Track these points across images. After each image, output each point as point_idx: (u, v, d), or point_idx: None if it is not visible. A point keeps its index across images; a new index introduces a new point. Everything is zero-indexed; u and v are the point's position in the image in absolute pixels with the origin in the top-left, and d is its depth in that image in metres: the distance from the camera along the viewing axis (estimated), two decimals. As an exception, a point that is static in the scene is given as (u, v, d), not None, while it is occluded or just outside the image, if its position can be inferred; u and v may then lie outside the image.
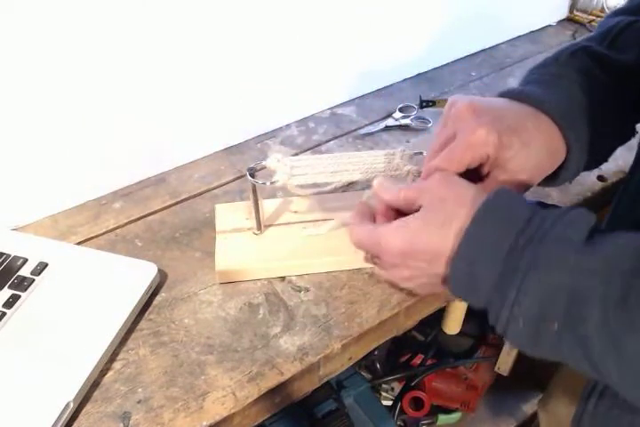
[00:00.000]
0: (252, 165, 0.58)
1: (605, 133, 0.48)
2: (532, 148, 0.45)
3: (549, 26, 1.08)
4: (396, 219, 0.44)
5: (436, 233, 0.39)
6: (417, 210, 0.42)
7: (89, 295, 0.57)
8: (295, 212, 0.66)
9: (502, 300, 0.36)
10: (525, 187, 0.47)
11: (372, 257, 0.47)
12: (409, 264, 0.42)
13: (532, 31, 1.06)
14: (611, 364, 0.33)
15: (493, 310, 0.37)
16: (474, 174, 0.46)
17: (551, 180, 0.49)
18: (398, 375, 1.04)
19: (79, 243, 0.65)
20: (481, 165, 0.46)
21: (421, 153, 0.58)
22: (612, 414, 0.48)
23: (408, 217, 0.42)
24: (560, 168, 0.48)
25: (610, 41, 0.51)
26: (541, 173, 0.47)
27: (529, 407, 1.14)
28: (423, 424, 1.12)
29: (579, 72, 0.48)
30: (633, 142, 0.53)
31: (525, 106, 0.46)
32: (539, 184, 0.50)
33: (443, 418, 1.12)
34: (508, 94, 0.48)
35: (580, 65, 0.49)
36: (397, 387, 1.09)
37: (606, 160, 0.52)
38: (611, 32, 0.52)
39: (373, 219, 0.47)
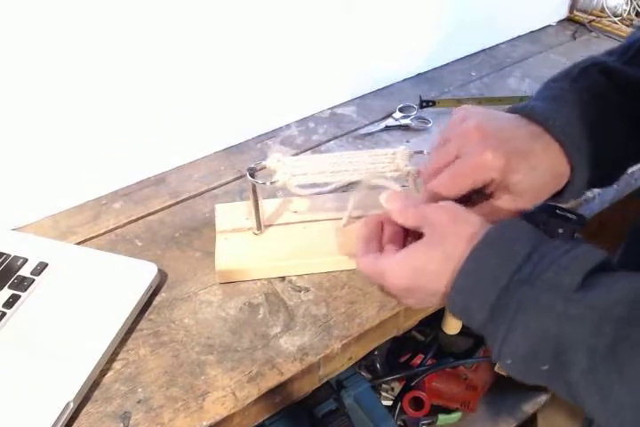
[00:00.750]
0: (252, 165, 0.58)
1: (616, 153, 0.48)
2: (538, 171, 0.45)
3: (549, 26, 1.08)
4: (403, 238, 0.45)
5: (436, 271, 0.40)
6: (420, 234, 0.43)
7: (89, 295, 0.57)
8: (295, 212, 0.66)
9: (493, 335, 0.37)
10: (527, 206, 0.47)
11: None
12: (412, 296, 0.43)
13: (532, 31, 1.06)
14: (597, 409, 0.33)
15: (489, 340, 0.38)
16: (477, 193, 0.47)
17: (555, 198, 0.49)
18: (398, 375, 1.04)
19: (79, 243, 0.65)
20: (485, 186, 0.46)
21: (422, 152, 0.58)
22: None
23: (411, 248, 0.42)
24: (564, 188, 0.48)
25: (631, 56, 0.50)
26: (544, 195, 0.47)
27: (529, 407, 1.14)
28: (423, 424, 1.12)
29: (589, 90, 0.48)
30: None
31: (534, 125, 0.46)
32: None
33: (443, 418, 1.12)
34: (518, 111, 0.48)
35: (592, 83, 0.48)
36: (397, 387, 1.09)
37: (617, 179, 0.52)
38: (632, 46, 0.51)
39: (380, 238, 0.47)
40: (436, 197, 0.45)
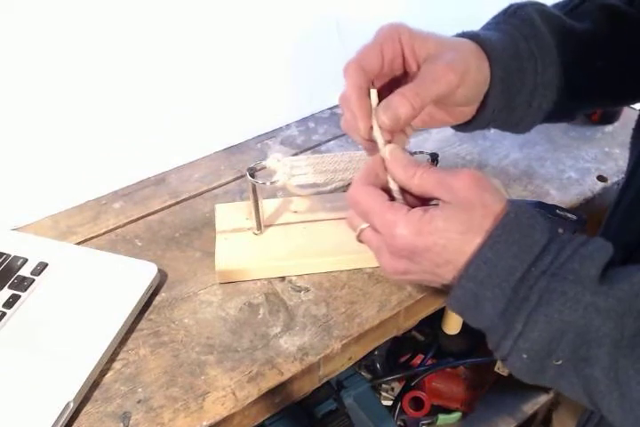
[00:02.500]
0: (252, 165, 0.58)
1: (535, 86, 0.48)
2: (471, 82, 0.44)
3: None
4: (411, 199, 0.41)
5: (457, 239, 0.36)
6: (427, 199, 0.40)
7: (89, 295, 0.57)
8: (295, 212, 0.66)
9: (506, 330, 0.34)
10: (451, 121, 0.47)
11: (360, 232, 0.42)
12: (413, 259, 0.38)
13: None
14: (614, 406, 0.32)
15: (495, 337, 0.36)
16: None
17: (468, 121, 0.49)
18: (398, 375, 1.04)
19: (79, 243, 0.65)
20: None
21: (422, 152, 0.58)
22: None
23: (430, 209, 0.38)
24: (479, 108, 0.48)
25: (570, 8, 0.52)
26: (471, 110, 0.47)
27: (529, 407, 1.14)
28: (423, 424, 1.12)
29: (522, 24, 0.48)
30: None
31: (464, 38, 0.47)
32: (455, 128, 0.51)
33: (443, 418, 1.12)
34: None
35: (527, 17, 0.49)
36: (397, 387, 1.09)
37: (533, 125, 0.52)
38: (573, 1, 0.53)
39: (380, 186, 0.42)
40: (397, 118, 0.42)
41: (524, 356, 0.34)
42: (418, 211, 0.38)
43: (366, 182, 0.41)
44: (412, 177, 0.39)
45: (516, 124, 0.51)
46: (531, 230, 0.35)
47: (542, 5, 0.50)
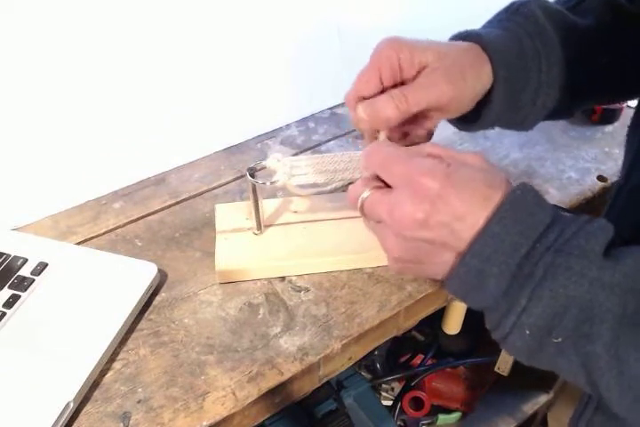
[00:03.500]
0: (251, 165, 0.58)
1: (539, 84, 0.48)
2: (468, 83, 0.45)
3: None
4: None
5: (477, 197, 0.35)
6: None
7: (89, 295, 0.57)
8: (295, 212, 0.66)
9: (510, 306, 0.34)
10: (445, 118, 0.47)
11: (363, 202, 0.40)
12: (436, 205, 0.35)
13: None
14: (612, 383, 0.32)
15: (496, 316, 0.36)
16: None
17: (472, 121, 0.49)
18: (398, 375, 1.04)
19: (79, 243, 0.65)
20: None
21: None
22: (609, 422, 0.48)
23: (452, 162, 0.37)
24: (482, 107, 0.48)
25: (572, 4, 0.52)
26: (466, 108, 0.47)
27: (529, 407, 1.14)
28: (423, 424, 1.12)
29: (526, 22, 0.48)
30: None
31: (466, 42, 0.47)
32: (460, 127, 0.51)
33: (443, 418, 1.12)
34: (452, 37, 0.50)
35: (530, 15, 0.49)
36: (397, 387, 1.09)
37: (536, 123, 0.52)
38: None
39: None
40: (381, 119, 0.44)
41: (527, 332, 0.34)
42: (440, 163, 0.37)
43: (366, 185, 0.41)
44: (421, 150, 0.39)
45: (520, 122, 0.51)
46: (536, 208, 0.35)
47: (545, 2, 0.50)
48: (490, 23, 0.51)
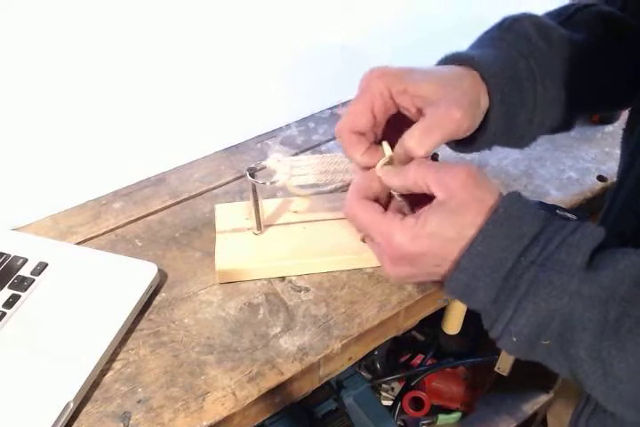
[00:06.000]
0: (252, 165, 0.58)
1: (535, 104, 0.47)
2: (470, 108, 0.44)
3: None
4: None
5: (451, 241, 0.38)
6: (425, 195, 0.40)
7: (89, 295, 0.57)
8: (295, 212, 0.66)
9: (497, 315, 0.37)
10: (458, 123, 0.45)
11: (364, 237, 0.44)
12: (414, 264, 0.40)
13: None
14: (597, 384, 0.34)
15: (488, 320, 0.38)
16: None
17: (469, 143, 0.48)
18: (398, 375, 1.04)
19: (79, 243, 0.65)
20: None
21: None
22: (607, 417, 0.48)
23: (422, 213, 0.39)
24: (478, 130, 0.47)
25: (564, 18, 0.51)
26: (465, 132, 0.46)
27: (529, 407, 1.14)
28: (423, 424, 1.12)
29: (517, 36, 0.47)
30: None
31: (459, 66, 0.46)
32: (457, 150, 0.50)
33: (443, 418, 1.12)
34: (442, 60, 0.48)
35: (523, 31, 0.48)
36: (397, 387, 1.09)
37: (534, 140, 0.51)
38: (567, 10, 0.52)
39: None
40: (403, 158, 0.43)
41: (514, 339, 0.36)
42: (411, 218, 0.39)
43: (359, 196, 0.42)
44: (406, 177, 0.41)
45: (517, 141, 0.51)
46: (520, 223, 0.37)
47: (537, 17, 0.49)
48: (481, 41, 0.50)
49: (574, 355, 0.34)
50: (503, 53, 0.47)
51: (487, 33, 0.50)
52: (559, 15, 0.52)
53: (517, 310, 0.35)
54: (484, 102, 0.45)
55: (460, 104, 0.42)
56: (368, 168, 0.45)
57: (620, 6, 0.52)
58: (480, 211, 0.37)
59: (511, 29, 0.48)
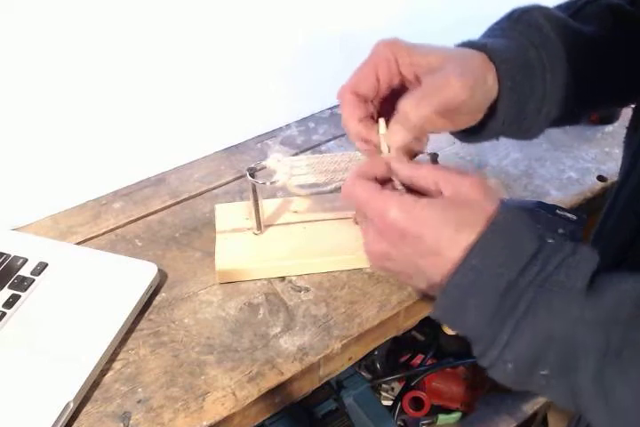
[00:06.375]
0: (252, 165, 0.58)
1: (544, 93, 0.47)
2: (477, 89, 0.43)
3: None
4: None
5: (449, 233, 0.36)
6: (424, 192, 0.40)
7: (89, 295, 0.57)
8: (295, 212, 0.66)
9: (493, 339, 0.34)
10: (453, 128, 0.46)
11: (361, 216, 0.43)
12: (397, 245, 0.38)
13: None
14: (601, 414, 0.33)
15: (480, 346, 0.36)
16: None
17: (477, 132, 0.48)
18: (398, 375, 1.04)
19: (79, 243, 0.65)
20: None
21: (422, 152, 0.58)
22: None
23: (425, 199, 0.38)
24: (486, 118, 0.47)
25: (573, 11, 0.51)
26: (474, 119, 0.46)
27: (529, 407, 1.14)
28: (423, 424, 1.12)
29: (529, 26, 0.47)
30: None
31: (470, 49, 0.45)
32: (464, 140, 0.50)
33: (443, 418, 1.12)
34: (455, 45, 0.48)
35: (533, 22, 0.47)
36: (397, 387, 1.09)
37: (542, 131, 0.50)
38: (576, 3, 0.51)
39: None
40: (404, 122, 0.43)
41: (510, 366, 0.34)
42: (412, 196, 0.38)
43: (359, 176, 0.41)
44: (418, 169, 0.40)
45: (525, 131, 0.50)
46: (520, 236, 0.35)
47: (547, 9, 0.49)
48: (491, 31, 0.50)
49: (575, 383, 0.33)
50: (514, 42, 0.46)
51: (497, 24, 0.50)
52: (568, 8, 0.52)
53: (515, 332, 0.33)
54: (492, 84, 0.45)
55: (462, 75, 0.42)
56: (363, 142, 0.45)
57: (629, 0, 0.52)
58: (483, 215, 0.36)
59: (522, 20, 0.48)
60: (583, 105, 0.51)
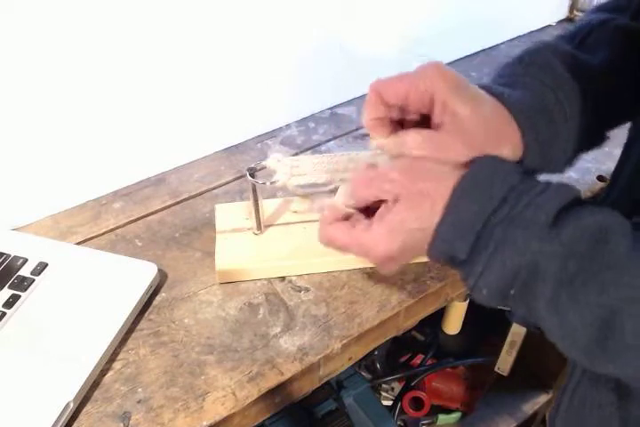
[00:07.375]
0: (252, 165, 0.58)
1: (568, 135, 0.48)
2: (485, 109, 0.44)
3: (549, 26, 1.08)
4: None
5: (429, 227, 0.40)
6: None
7: (89, 295, 0.57)
8: (295, 212, 0.66)
9: (470, 270, 0.39)
10: (465, 153, 0.45)
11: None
12: (403, 256, 0.43)
13: (532, 31, 1.06)
14: (554, 330, 0.38)
15: (463, 275, 0.41)
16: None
17: None
18: (398, 375, 1.04)
19: (79, 243, 0.65)
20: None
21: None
22: (583, 411, 0.51)
23: (393, 213, 0.41)
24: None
25: (579, 40, 0.51)
26: (487, 147, 0.46)
27: (529, 407, 1.14)
28: (423, 424, 1.12)
29: (541, 69, 0.48)
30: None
31: (497, 103, 0.46)
32: None
33: (443, 418, 1.12)
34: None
35: (545, 62, 0.48)
36: (397, 387, 1.09)
37: (570, 164, 0.51)
38: (582, 31, 0.51)
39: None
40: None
41: (484, 292, 0.39)
42: (374, 221, 0.42)
43: (329, 221, 0.45)
44: (369, 187, 0.44)
45: (551, 169, 0.51)
46: (492, 183, 0.39)
47: (555, 45, 0.49)
48: (502, 77, 0.49)
49: (534, 305, 0.37)
50: (531, 88, 0.47)
51: (509, 68, 0.50)
52: (573, 38, 0.51)
53: (486, 267, 0.38)
54: (517, 152, 0.46)
55: (473, 140, 0.43)
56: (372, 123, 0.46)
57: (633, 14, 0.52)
58: (444, 193, 0.40)
59: (534, 63, 0.48)
60: (604, 131, 0.52)
